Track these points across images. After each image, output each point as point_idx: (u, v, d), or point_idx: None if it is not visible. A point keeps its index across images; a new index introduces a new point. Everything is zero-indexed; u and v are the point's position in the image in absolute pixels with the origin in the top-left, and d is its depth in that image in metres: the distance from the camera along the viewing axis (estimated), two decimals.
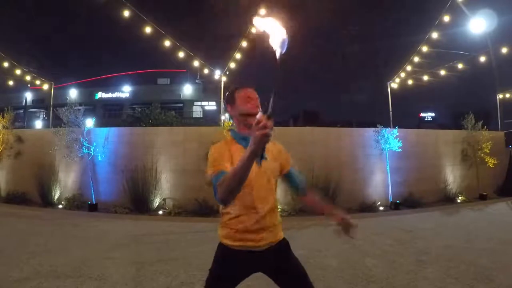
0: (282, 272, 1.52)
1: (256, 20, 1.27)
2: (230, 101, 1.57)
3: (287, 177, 1.63)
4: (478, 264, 3.62)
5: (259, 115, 1.13)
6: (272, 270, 1.52)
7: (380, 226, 5.59)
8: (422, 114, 44.64)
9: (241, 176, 1.20)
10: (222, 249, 1.50)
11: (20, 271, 3.32)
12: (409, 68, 11.27)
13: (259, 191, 1.46)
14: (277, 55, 1.17)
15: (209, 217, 6.02)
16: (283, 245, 1.54)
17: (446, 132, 8.74)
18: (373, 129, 7.15)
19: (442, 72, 11.09)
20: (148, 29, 8.77)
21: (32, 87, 24.36)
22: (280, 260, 1.51)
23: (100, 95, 29.50)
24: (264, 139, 1.09)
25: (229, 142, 1.52)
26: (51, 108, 11.96)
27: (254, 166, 1.36)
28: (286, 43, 1.18)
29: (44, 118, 28.44)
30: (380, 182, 7.15)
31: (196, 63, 10.38)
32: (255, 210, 1.45)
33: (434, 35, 9.72)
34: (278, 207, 1.69)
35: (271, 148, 1.54)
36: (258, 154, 1.15)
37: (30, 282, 3.10)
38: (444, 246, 4.29)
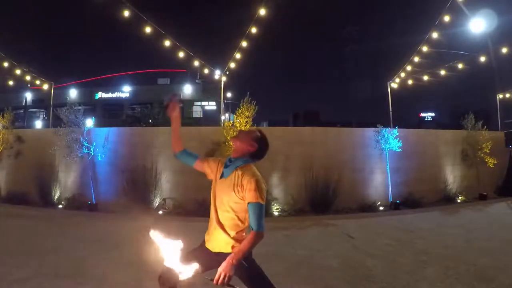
0: None
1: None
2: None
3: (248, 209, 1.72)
4: (478, 264, 3.62)
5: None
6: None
7: (380, 226, 5.59)
8: (422, 114, 44.69)
9: None
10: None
11: (20, 271, 3.32)
12: (409, 68, 11.25)
13: (219, 202, 1.83)
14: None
15: (209, 217, 6.02)
16: (222, 259, 1.69)
17: (446, 132, 8.74)
18: (373, 129, 7.14)
19: (442, 72, 11.08)
20: (148, 29, 8.76)
21: (32, 87, 24.37)
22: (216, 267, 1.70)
23: (100, 95, 29.46)
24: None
25: None
26: (51, 108, 11.95)
27: (220, 180, 1.85)
28: None
29: (44, 118, 28.43)
30: (380, 182, 7.15)
31: (196, 63, 10.37)
32: (211, 217, 1.87)
33: (434, 35, 9.70)
34: (239, 226, 1.81)
35: (235, 176, 1.77)
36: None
37: (30, 282, 3.10)
38: (444, 246, 4.29)
